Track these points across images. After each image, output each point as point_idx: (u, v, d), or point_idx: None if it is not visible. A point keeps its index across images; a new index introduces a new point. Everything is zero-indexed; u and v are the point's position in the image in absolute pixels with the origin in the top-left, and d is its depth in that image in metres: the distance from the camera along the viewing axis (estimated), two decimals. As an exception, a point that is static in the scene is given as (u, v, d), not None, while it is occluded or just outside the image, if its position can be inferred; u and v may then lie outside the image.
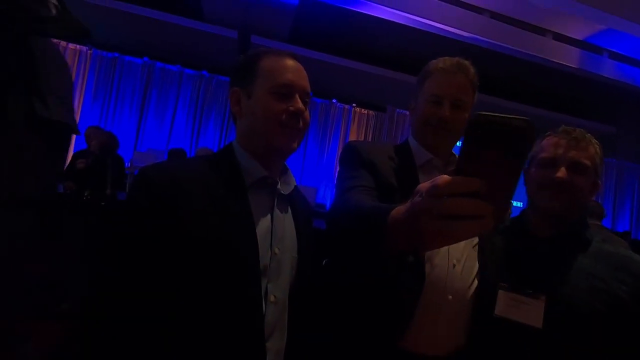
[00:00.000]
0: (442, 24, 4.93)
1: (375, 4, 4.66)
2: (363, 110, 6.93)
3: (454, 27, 4.96)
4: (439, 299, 0.87)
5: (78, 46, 5.62)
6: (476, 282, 0.92)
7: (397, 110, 6.77)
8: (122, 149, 4.59)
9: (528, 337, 0.82)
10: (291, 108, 0.79)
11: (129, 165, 4.70)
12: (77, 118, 5.58)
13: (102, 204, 3.33)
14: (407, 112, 5.77)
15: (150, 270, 0.67)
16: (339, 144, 6.57)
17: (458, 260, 0.91)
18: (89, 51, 5.67)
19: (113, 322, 0.66)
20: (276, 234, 0.79)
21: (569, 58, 5.19)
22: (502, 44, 5.03)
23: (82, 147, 3.82)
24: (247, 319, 0.70)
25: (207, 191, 0.73)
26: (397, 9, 4.73)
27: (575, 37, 5.10)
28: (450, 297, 0.88)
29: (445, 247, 0.90)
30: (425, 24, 4.96)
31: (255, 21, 4.88)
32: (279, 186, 0.83)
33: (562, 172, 0.87)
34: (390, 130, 6.70)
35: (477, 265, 0.92)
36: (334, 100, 6.69)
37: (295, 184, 0.89)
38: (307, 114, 0.82)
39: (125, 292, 0.66)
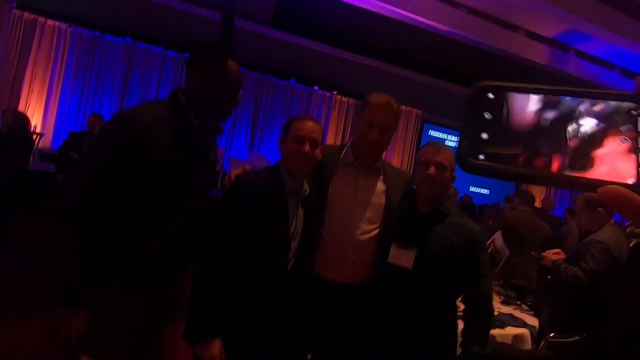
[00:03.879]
0: (421, 17, 5.10)
1: (357, -5, 4.79)
2: (343, 97, 7.10)
3: (432, 20, 5.15)
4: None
5: (57, 23, 5.52)
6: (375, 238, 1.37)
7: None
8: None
9: (404, 275, 1.33)
10: None
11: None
12: (57, 98, 5.53)
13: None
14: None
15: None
16: (319, 129, 6.74)
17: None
18: (68, 29, 5.59)
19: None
20: None
21: (539, 54, 5.48)
22: (477, 39, 5.26)
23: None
24: None
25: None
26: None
27: (545, 35, 5.38)
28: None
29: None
30: (405, 15, 5.12)
31: (238, 3, 4.92)
32: None
33: (431, 170, 1.32)
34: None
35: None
36: (316, 87, 6.82)
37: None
38: None
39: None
